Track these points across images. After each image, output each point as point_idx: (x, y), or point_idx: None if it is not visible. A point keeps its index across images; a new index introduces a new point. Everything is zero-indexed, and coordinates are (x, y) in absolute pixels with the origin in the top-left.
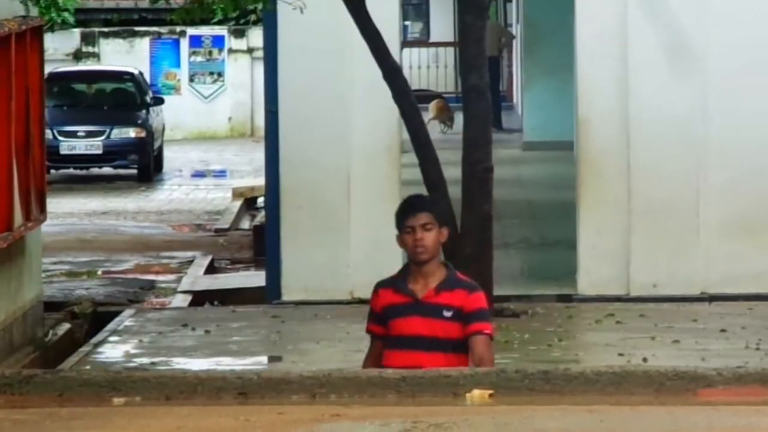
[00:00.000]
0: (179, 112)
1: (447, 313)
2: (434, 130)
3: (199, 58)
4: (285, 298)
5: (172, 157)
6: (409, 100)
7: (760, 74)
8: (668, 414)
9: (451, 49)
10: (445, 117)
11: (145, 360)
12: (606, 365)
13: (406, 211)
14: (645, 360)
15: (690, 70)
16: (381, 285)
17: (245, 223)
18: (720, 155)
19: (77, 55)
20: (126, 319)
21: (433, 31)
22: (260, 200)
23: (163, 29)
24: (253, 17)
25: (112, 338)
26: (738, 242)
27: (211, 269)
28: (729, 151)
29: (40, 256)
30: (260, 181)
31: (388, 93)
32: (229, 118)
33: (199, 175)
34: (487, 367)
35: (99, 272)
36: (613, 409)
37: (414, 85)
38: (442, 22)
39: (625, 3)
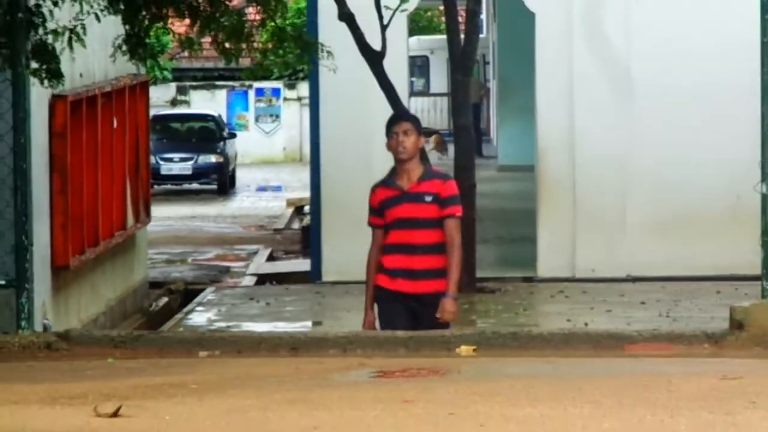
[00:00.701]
0: (247, 144)
1: (428, 198)
2: (433, 156)
3: (262, 104)
4: (324, 279)
5: (242, 176)
6: None
7: (678, 116)
8: (603, 363)
9: (445, 98)
10: (441, 147)
11: (222, 324)
12: (558, 328)
13: (393, 120)
14: (586, 324)
15: (620, 112)
16: (376, 185)
17: (295, 225)
18: (641, 174)
19: (173, 102)
20: (208, 294)
21: (432, 84)
22: (306, 208)
23: (236, 83)
24: (301, 74)
25: (198, 308)
26: (653, 238)
27: (270, 258)
28: (648, 171)
29: (146, 248)
30: (307, 193)
31: None
32: (284, 148)
33: (262, 189)
34: (455, 248)
35: (189, 260)
36: (563, 360)
37: None
38: (439, 78)
39: (571, 65)
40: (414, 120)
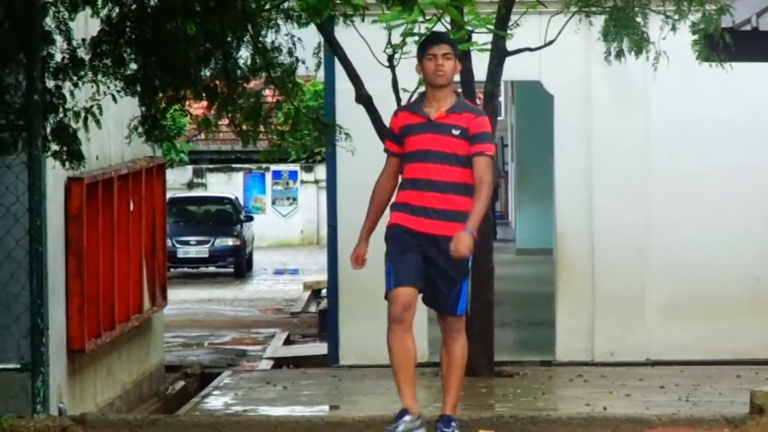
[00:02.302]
0: (265, 227)
1: (455, 132)
2: None
3: (279, 187)
4: (342, 363)
5: (259, 259)
6: None
7: (696, 197)
8: None
9: None
10: None
11: (239, 408)
12: (576, 412)
13: (432, 40)
14: (605, 408)
15: (639, 194)
16: (400, 108)
17: (312, 308)
18: (659, 257)
19: (190, 185)
20: (225, 378)
21: None
22: (323, 291)
23: (253, 166)
24: (318, 157)
25: (214, 392)
26: (672, 322)
27: (287, 342)
28: (666, 253)
29: (162, 331)
30: (324, 276)
31: None
32: (301, 231)
33: (279, 272)
34: (485, 185)
35: (205, 344)
36: None
37: None
38: None
39: (590, 147)
40: (453, 43)
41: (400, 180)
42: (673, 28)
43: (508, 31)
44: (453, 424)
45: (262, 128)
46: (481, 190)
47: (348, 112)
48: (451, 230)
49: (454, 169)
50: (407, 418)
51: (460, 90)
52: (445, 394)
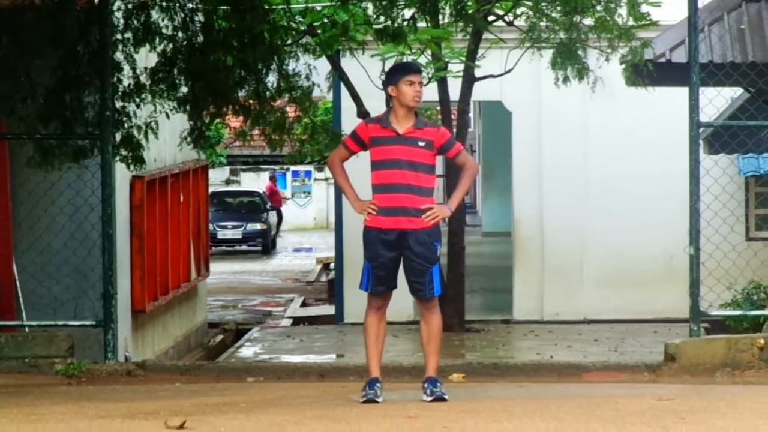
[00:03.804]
0: (286, 215)
1: (421, 143)
2: None
3: (297, 183)
4: (346, 321)
5: (281, 240)
6: None
7: (626, 194)
8: (564, 387)
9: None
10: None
11: (266, 356)
12: (529, 360)
13: (410, 69)
14: (551, 357)
15: (580, 190)
16: (371, 120)
17: (323, 278)
18: (596, 240)
19: (227, 181)
20: (254, 333)
21: None
22: (332, 265)
23: (277, 167)
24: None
25: (246, 344)
26: (604, 289)
27: (303, 304)
28: (600, 237)
29: (205, 296)
30: (332, 253)
31: None
32: (314, 218)
33: (297, 250)
34: (470, 169)
35: (239, 306)
36: (534, 385)
37: None
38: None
39: (540, 152)
40: (421, 71)
41: (372, 184)
42: (607, 59)
43: (476, 62)
44: (438, 384)
45: (286, 137)
46: (467, 171)
47: (351, 125)
48: (419, 224)
49: (421, 176)
50: (378, 385)
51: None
52: (427, 360)
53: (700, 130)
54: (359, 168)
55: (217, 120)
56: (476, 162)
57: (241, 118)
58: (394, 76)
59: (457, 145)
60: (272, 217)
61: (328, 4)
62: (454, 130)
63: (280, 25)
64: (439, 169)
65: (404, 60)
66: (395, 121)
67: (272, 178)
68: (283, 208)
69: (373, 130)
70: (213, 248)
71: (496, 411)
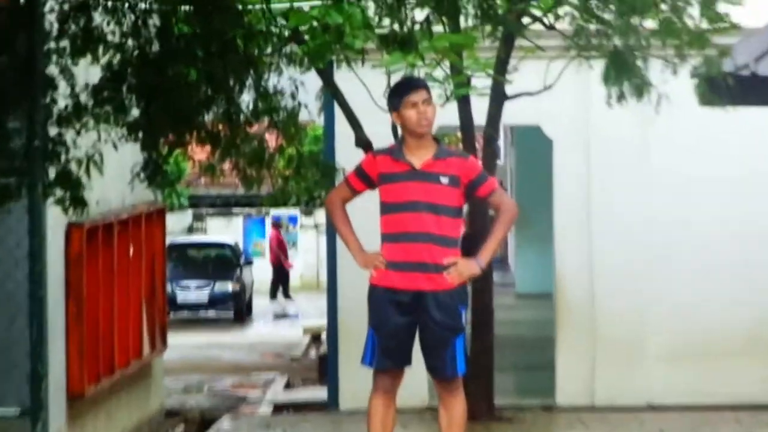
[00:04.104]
0: (264, 271)
1: (444, 180)
2: None
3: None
4: (342, 407)
5: (259, 303)
6: None
7: (693, 245)
8: None
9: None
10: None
11: None
12: None
13: (409, 87)
14: None
15: (640, 239)
16: (380, 152)
17: (312, 353)
18: (660, 302)
19: (190, 229)
20: (225, 423)
21: None
22: (323, 335)
23: (253, 210)
24: (318, 200)
25: None
26: (671, 367)
27: (287, 386)
28: (665, 296)
29: (162, 376)
30: (323, 321)
31: None
32: (301, 275)
33: (279, 317)
34: (506, 212)
35: (205, 388)
36: None
37: None
38: None
39: (589, 191)
40: (428, 86)
41: (381, 232)
42: (674, 72)
43: (507, 76)
44: None
45: (265, 172)
46: (503, 215)
47: (348, 156)
48: (441, 284)
49: (444, 220)
50: None
51: (458, 134)
52: None
53: None
54: (365, 209)
55: (178, 151)
56: (514, 202)
57: (208, 148)
58: (393, 99)
59: (491, 180)
60: (247, 274)
61: (318, 2)
62: (479, 162)
63: (258, 30)
64: None
65: (414, 74)
66: (409, 153)
67: (277, 226)
68: (260, 263)
69: (383, 164)
70: (172, 315)
71: None
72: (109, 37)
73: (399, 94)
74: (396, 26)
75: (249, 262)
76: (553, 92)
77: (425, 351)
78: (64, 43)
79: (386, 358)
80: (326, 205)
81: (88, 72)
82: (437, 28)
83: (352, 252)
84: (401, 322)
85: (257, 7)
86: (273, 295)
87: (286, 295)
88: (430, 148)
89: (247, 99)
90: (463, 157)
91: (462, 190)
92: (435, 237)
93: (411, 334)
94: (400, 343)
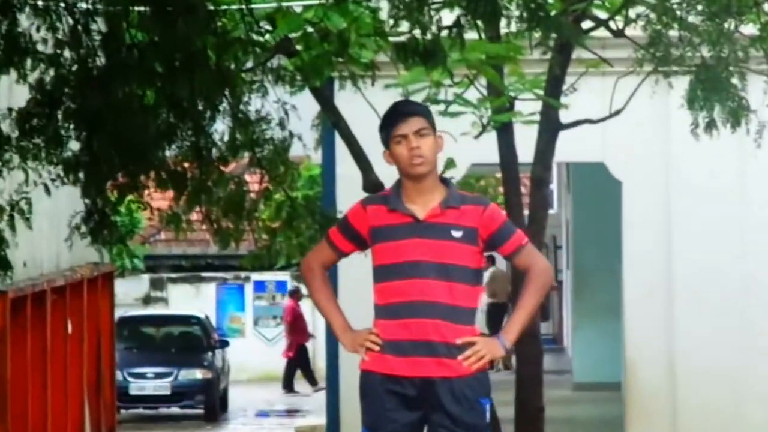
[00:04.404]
0: (244, 354)
1: (456, 234)
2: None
3: (263, 303)
4: None
5: (237, 397)
6: None
7: None
8: None
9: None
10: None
11: None
12: None
13: (395, 117)
14: None
15: (733, 311)
16: (371, 201)
17: None
18: (757, 392)
19: (146, 300)
20: None
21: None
22: None
23: (229, 275)
24: None
25: None
26: None
27: None
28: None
29: None
30: (322, 420)
31: None
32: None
33: (263, 415)
34: (537, 276)
35: None
36: None
37: None
38: (499, 263)
39: (669, 250)
40: (426, 112)
41: (375, 304)
42: None
43: (563, 98)
44: None
45: (245, 224)
46: (534, 279)
47: (352, 203)
48: (455, 370)
49: (458, 288)
50: None
51: (498, 174)
52: None
53: None
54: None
55: (131, 196)
56: (549, 264)
57: (170, 192)
58: (381, 134)
59: (518, 234)
60: (222, 358)
61: (315, 1)
62: (525, 212)
63: (235, 38)
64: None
65: (437, 95)
66: (410, 201)
67: (294, 295)
68: (241, 344)
69: (376, 215)
70: (123, 411)
71: None
72: (40, 47)
73: (385, 127)
74: (417, 32)
75: (224, 343)
76: (622, 119)
77: None
78: None
79: None
80: (301, 270)
81: (12, 92)
82: (471, 35)
83: (335, 331)
84: (403, 421)
85: (234, 7)
86: (288, 384)
87: (313, 381)
88: (437, 193)
89: (221, 128)
90: (481, 205)
91: (480, 247)
92: (445, 309)
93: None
94: None
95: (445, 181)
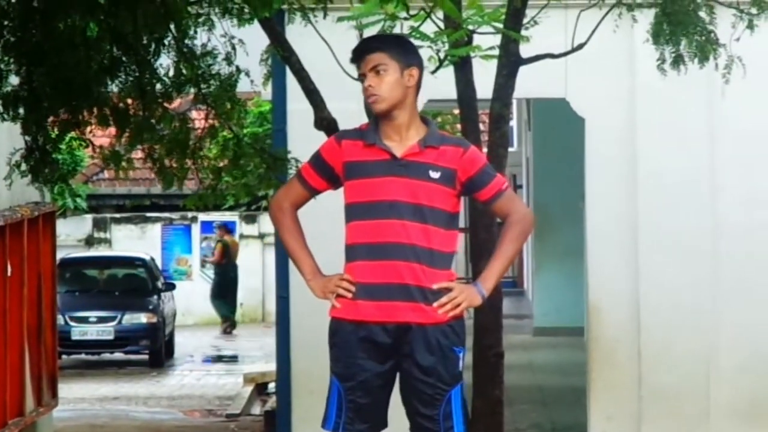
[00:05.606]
0: (191, 298)
1: (434, 174)
2: None
3: (210, 244)
4: None
5: (183, 342)
6: None
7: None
8: None
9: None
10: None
11: None
12: None
13: (354, 57)
14: None
15: (703, 248)
16: (346, 134)
17: (256, 409)
18: (730, 339)
19: (89, 241)
20: None
21: None
22: (271, 385)
23: (175, 215)
24: (264, 203)
25: None
26: (748, 427)
27: None
28: (739, 335)
29: None
30: (271, 366)
31: None
32: (240, 304)
33: (209, 360)
34: (516, 223)
35: None
36: None
37: None
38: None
39: (635, 187)
40: (390, 46)
41: (346, 244)
42: (750, 27)
43: (523, 32)
44: None
45: (190, 163)
46: (513, 226)
47: (304, 141)
48: (430, 316)
49: (434, 230)
50: None
51: (456, 111)
52: None
53: None
54: (326, 213)
55: (72, 134)
56: (530, 210)
57: (113, 129)
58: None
59: (498, 179)
60: (168, 302)
61: None
62: (484, 150)
63: None
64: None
65: (398, 28)
66: (387, 137)
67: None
68: (188, 288)
69: (351, 150)
70: (65, 357)
71: None
72: None
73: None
74: None
75: (170, 286)
76: (585, 54)
77: (409, 408)
78: None
79: (356, 420)
80: (271, 209)
81: None
82: None
83: (304, 275)
84: (376, 370)
85: None
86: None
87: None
88: (414, 130)
89: (165, 63)
90: (461, 146)
91: (457, 189)
92: (422, 252)
93: (389, 385)
94: (375, 399)
95: (426, 120)
